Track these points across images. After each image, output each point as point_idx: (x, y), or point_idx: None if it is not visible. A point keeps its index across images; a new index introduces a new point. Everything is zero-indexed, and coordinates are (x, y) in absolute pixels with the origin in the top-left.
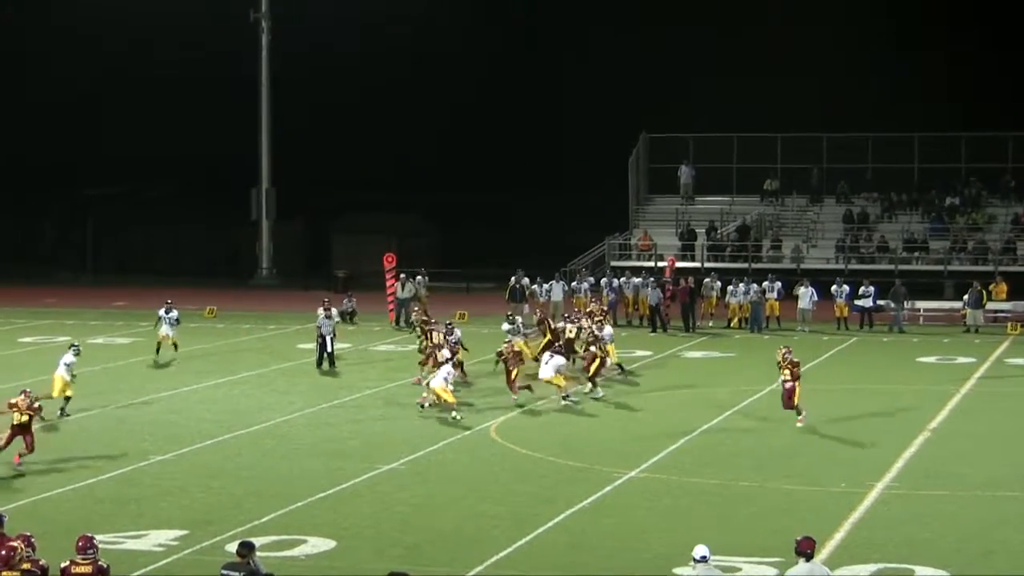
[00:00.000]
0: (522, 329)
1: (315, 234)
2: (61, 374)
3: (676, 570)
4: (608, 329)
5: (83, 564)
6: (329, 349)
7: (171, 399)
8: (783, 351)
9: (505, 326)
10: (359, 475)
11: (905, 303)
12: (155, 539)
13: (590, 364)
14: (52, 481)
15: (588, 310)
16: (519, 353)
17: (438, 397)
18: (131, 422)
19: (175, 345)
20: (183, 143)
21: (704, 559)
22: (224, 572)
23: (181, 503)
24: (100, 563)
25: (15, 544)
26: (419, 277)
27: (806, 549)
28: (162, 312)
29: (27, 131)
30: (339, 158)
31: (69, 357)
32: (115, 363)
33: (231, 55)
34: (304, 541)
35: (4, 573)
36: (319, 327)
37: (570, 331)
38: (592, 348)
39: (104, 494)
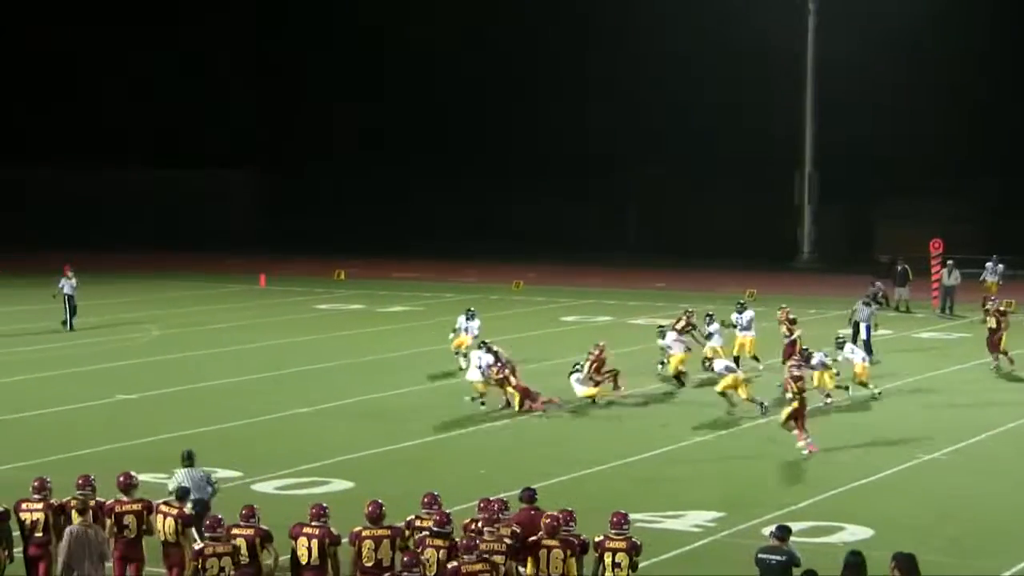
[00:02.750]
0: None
1: (857, 218)
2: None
3: None
4: None
5: (616, 540)
6: (864, 337)
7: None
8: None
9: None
10: (897, 464)
11: None
12: (692, 520)
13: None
14: (594, 457)
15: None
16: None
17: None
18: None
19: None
20: (725, 123)
21: None
22: (761, 556)
23: (719, 484)
24: (633, 540)
25: (557, 514)
26: (989, 264)
27: None
28: (461, 319)
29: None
30: (882, 141)
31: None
32: (640, 345)
33: (778, 36)
34: (841, 528)
35: (546, 540)
36: (854, 311)
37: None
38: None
39: (642, 473)
